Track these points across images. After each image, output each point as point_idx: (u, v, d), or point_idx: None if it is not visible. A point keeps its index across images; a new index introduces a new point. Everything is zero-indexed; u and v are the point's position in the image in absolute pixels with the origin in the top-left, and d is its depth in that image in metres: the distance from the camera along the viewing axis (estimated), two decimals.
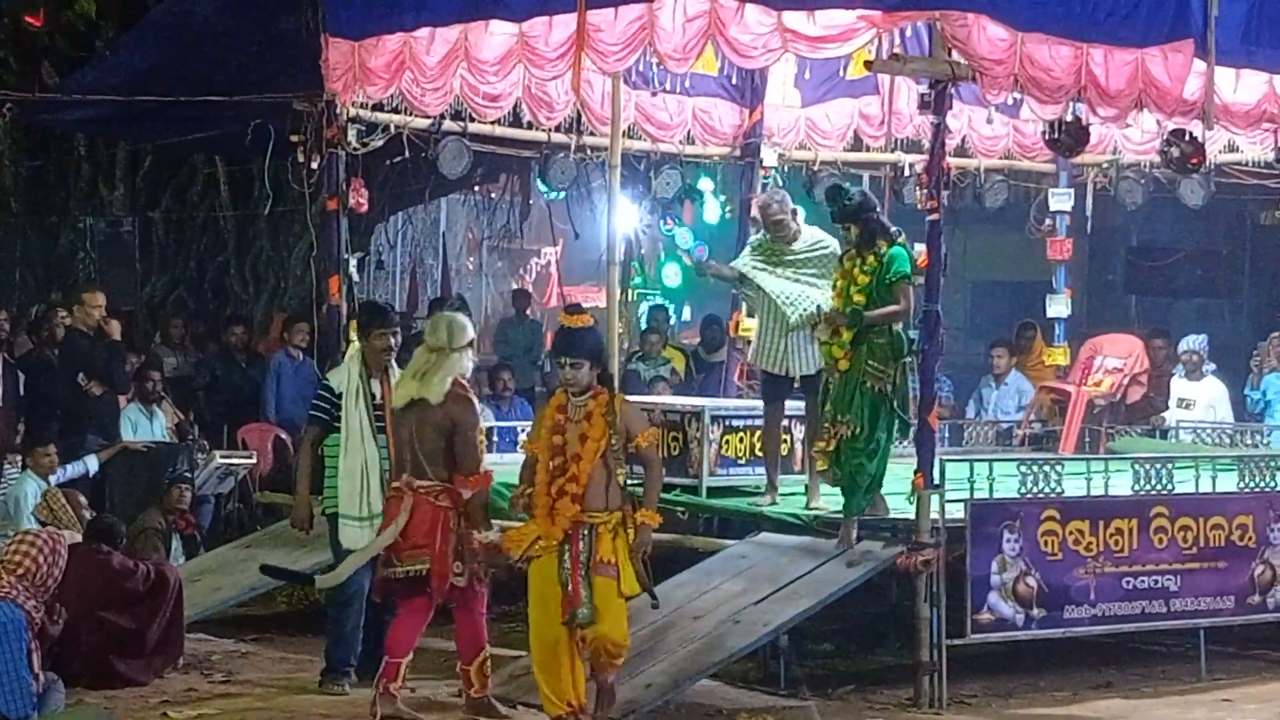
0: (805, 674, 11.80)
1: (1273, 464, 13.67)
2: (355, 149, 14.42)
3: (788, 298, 12.28)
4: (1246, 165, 15.78)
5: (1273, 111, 13.19)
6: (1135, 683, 12.27)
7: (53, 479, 14.39)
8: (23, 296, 17.91)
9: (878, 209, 12.26)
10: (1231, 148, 15.14)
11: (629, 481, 10.47)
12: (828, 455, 11.53)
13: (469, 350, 10.50)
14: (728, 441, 13.68)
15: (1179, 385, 17.30)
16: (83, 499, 13.24)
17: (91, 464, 15.40)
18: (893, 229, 11.72)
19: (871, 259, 11.32)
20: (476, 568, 10.37)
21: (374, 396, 10.81)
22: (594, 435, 9.53)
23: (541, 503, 9.64)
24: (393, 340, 11.04)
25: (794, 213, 12.59)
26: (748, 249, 13.14)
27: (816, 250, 12.32)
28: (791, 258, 12.41)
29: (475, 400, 10.72)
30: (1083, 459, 14.21)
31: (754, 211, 15.47)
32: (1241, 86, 12.81)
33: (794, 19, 12.00)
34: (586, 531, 9.59)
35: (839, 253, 11.95)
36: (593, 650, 9.78)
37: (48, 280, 19.21)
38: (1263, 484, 13.12)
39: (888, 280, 11.26)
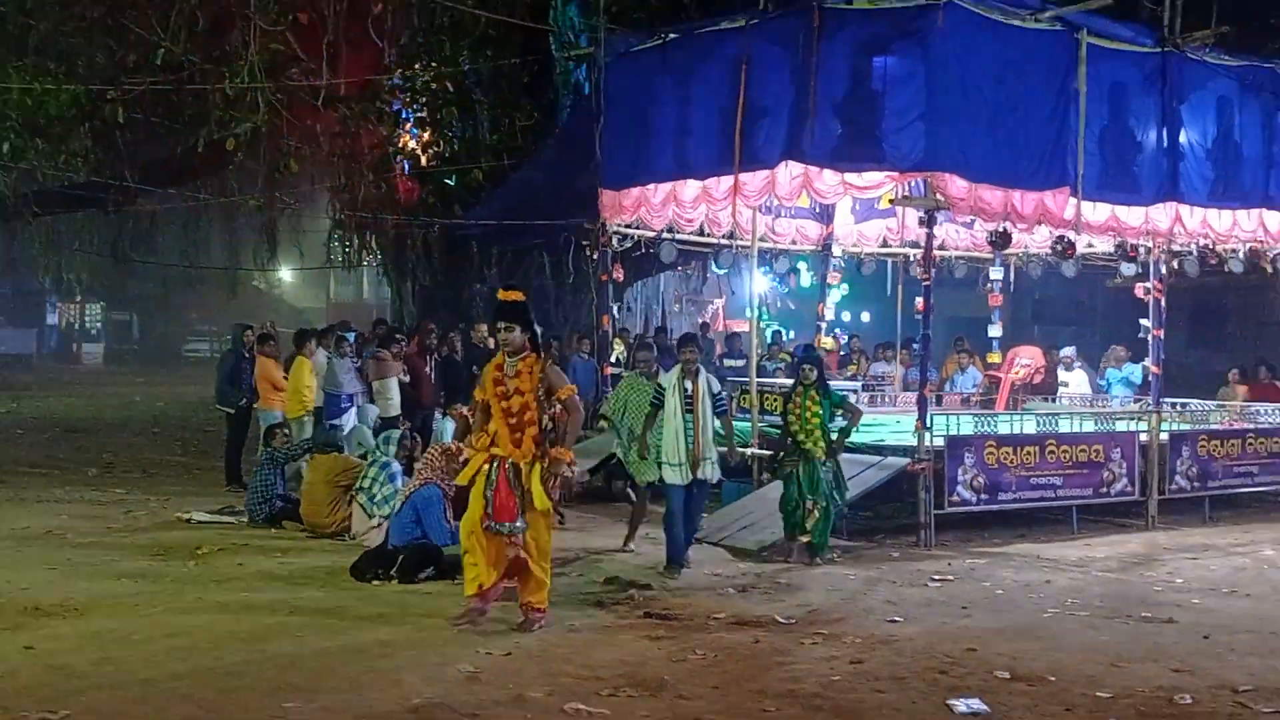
0: (856, 529, 12.32)
1: (1112, 419, 14.25)
2: (615, 248, 14.98)
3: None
4: (1099, 254, 15.64)
5: (1113, 225, 13.20)
6: (1037, 536, 12.58)
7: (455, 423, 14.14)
8: (441, 327, 17.40)
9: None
10: (1090, 245, 14.95)
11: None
12: (814, 519, 10.89)
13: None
14: None
15: (1061, 374, 17.26)
16: None
17: None
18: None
19: (819, 393, 10.94)
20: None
21: (686, 390, 10.22)
22: (526, 388, 8.13)
23: (505, 434, 8.13)
24: (692, 354, 10.43)
25: (657, 360, 11.57)
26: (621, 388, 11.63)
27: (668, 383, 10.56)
28: (650, 389, 10.75)
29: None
30: (1008, 414, 14.37)
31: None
32: (1096, 211, 12.92)
33: (851, 177, 12.24)
34: (511, 462, 8.15)
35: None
36: (527, 551, 8.25)
37: (455, 318, 18.91)
38: (1107, 428, 13.60)
39: (836, 405, 11.05)
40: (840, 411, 11.23)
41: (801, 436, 11.02)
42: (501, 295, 8.58)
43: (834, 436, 11.10)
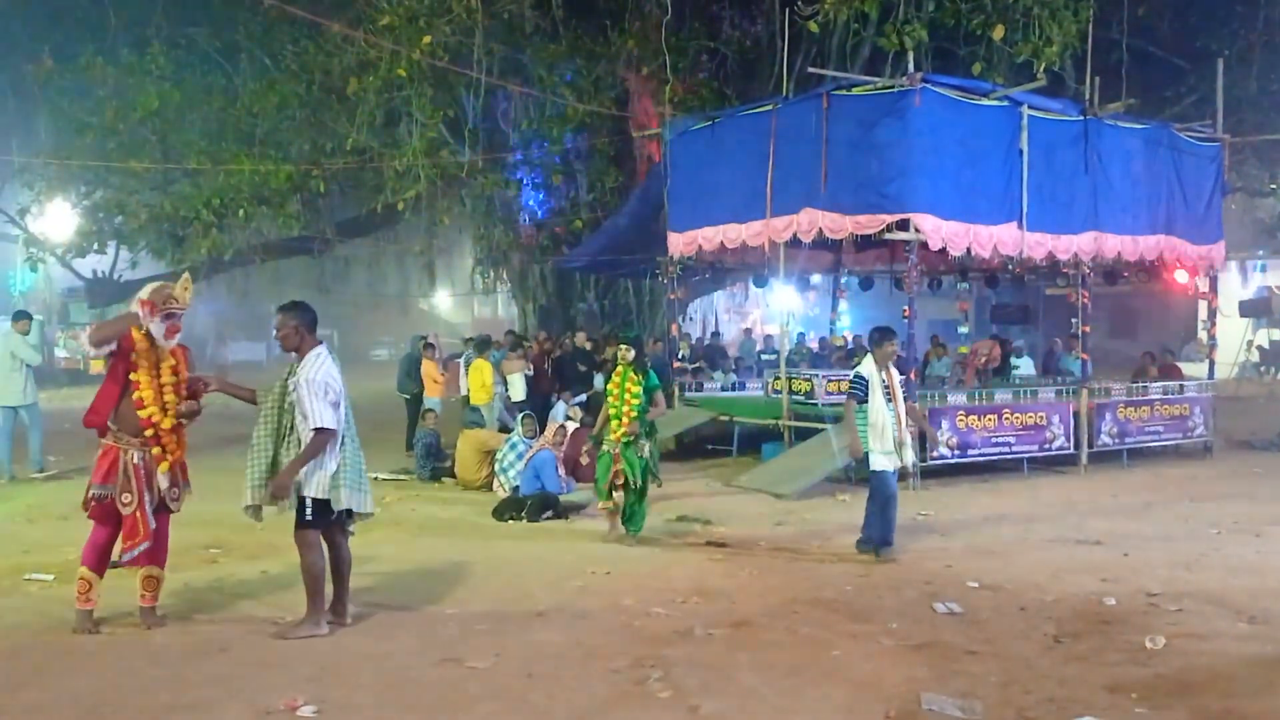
0: (860, 477, 11.23)
1: (1049, 393, 13.21)
2: (680, 273, 14.70)
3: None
4: (1041, 269, 15.00)
5: (1048, 250, 12.49)
6: (996, 479, 12.23)
7: (564, 406, 14.09)
8: (551, 335, 17.58)
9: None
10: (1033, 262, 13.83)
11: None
12: (624, 498, 8.67)
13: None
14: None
15: (1014, 360, 16.26)
16: (579, 410, 13.20)
17: (581, 398, 15.07)
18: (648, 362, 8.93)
19: (640, 376, 8.50)
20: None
21: (884, 381, 7.99)
22: None
23: None
24: (895, 347, 8.24)
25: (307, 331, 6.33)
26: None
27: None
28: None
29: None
30: (973, 389, 13.29)
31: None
32: (1035, 242, 12.33)
33: (853, 219, 11.68)
34: None
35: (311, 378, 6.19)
36: None
37: (563, 328, 18.73)
38: (1051, 399, 12.95)
39: (651, 390, 8.52)
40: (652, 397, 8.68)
41: (614, 417, 8.69)
42: None
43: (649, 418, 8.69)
